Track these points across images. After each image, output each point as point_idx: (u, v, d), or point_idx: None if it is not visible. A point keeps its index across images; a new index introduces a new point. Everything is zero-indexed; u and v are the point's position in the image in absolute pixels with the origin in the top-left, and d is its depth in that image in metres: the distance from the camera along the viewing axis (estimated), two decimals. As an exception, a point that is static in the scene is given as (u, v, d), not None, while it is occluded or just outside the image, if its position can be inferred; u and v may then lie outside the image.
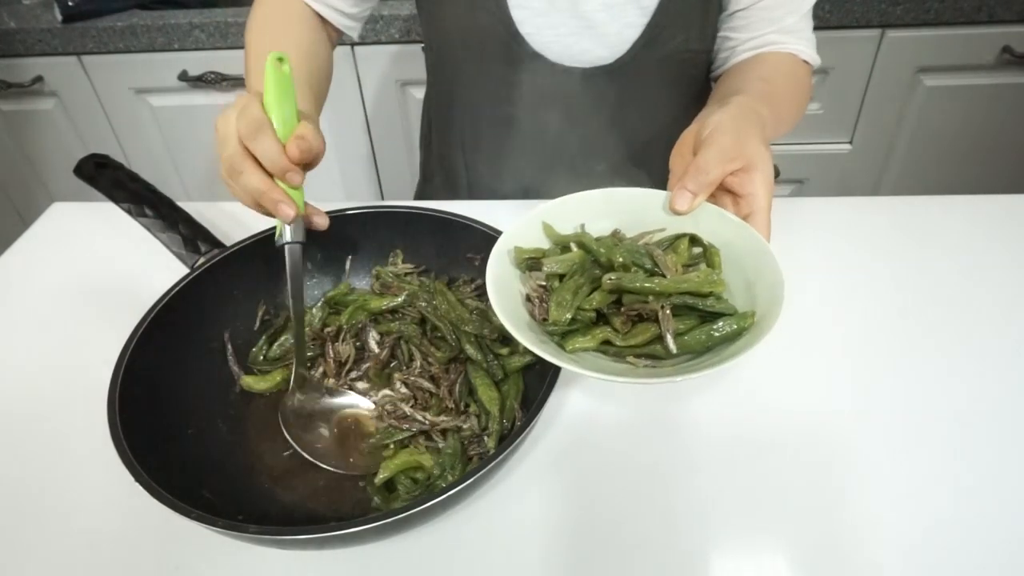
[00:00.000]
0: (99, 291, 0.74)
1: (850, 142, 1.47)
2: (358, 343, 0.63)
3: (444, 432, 0.55)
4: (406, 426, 0.56)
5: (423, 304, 0.63)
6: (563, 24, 0.74)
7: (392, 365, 0.62)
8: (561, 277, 0.52)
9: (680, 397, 0.59)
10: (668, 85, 0.80)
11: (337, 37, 0.80)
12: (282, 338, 0.64)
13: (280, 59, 0.53)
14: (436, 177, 0.96)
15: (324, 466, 0.55)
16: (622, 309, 0.50)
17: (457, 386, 0.58)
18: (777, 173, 1.58)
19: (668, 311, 0.48)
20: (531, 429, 0.48)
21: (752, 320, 0.48)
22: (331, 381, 0.61)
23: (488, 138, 0.86)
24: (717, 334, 0.48)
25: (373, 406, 0.59)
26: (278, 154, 0.51)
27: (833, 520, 0.50)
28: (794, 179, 1.53)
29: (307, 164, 0.55)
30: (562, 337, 0.50)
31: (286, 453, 0.56)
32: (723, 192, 0.54)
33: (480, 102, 0.83)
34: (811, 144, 1.46)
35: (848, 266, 0.72)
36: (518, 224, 0.55)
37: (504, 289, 0.51)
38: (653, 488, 0.53)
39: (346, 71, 1.42)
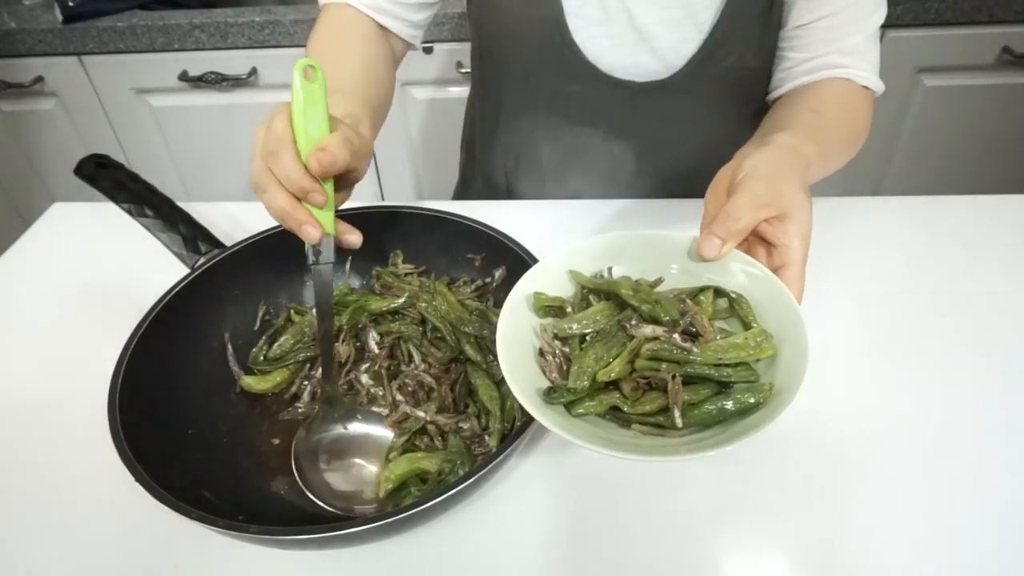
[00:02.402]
0: (99, 291, 0.74)
1: (850, 142, 1.47)
2: (358, 343, 0.63)
3: (444, 434, 0.55)
4: (406, 425, 0.56)
5: (423, 305, 0.63)
6: (619, 35, 0.73)
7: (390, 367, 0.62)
8: (583, 337, 0.49)
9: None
10: (722, 102, 0.78)
11: (403, 50, 0.78)
12: (282, 338, 0.63)
13: (311, 67, 0.48)
14: (476, 182, 0.95)
15: (334, 510, 0.52)
16: (633, 375, 0.46)
17: (457, 386, 0.58)
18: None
19: (678, 382, 0.45)
20: (532, 429, 0.48)
21: (768, 393, 0.43)
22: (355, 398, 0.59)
23: (533, 148, 0.85)
24: (730, 407, 0.44)
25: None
26: (298, 174, 0.48)
27: (841, 521, 0.50)
28: (794, 179, 1.53)
29: (342, 177, 0.52)
30: (569, 402, 0.46)
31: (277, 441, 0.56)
32: (756, 241, 0.51)
33: (528, 110, 0.82)
34: (811, 144, 1.46)
35: (847, 267, 0.72)
36: (537, 268, 0.52)
37: (515, 340, 0.48)
38: (654, 488, 0.53)
39: (346, 71, 1.42)
